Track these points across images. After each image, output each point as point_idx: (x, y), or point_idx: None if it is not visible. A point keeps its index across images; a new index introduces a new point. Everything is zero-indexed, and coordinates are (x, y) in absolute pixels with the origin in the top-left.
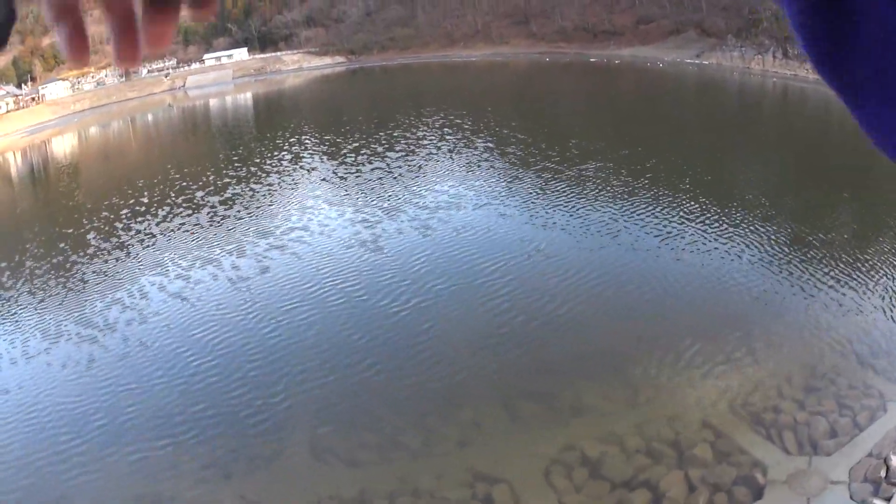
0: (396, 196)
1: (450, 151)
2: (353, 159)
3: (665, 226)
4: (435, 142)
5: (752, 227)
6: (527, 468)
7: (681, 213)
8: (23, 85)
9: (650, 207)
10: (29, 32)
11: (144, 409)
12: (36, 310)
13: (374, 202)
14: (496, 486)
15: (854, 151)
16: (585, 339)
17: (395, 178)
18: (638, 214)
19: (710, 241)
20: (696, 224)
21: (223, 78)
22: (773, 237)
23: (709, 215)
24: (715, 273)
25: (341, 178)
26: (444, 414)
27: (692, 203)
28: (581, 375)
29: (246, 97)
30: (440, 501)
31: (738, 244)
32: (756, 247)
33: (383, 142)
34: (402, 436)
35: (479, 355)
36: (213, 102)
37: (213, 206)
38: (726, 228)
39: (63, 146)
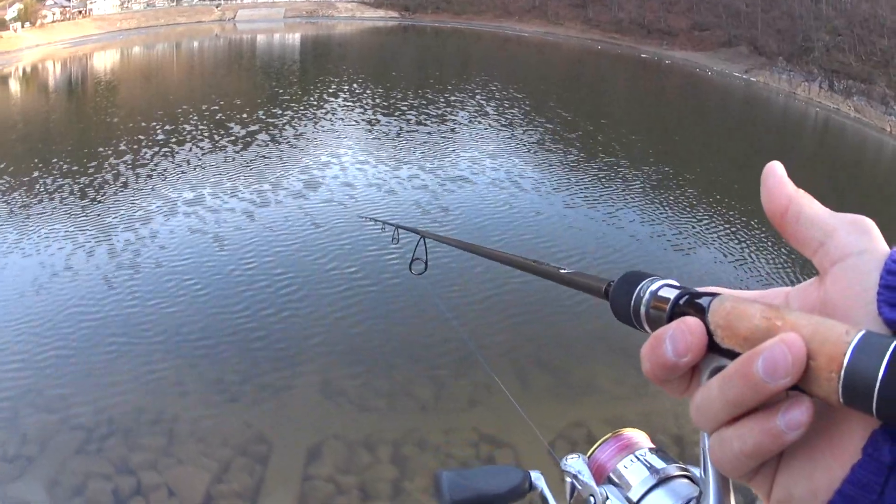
0: (427, 155)
1: (489, 122)
2: (393, 115)
3: (688, 222)
4: (474, 111)
5: (773, 259)
6: (532, 437)
7: (707, 216)
8: None
9: (681, 205)
10: None
11: (154, 324)
12: (59, 221)
13: (408, 158)
14: (500, 450)
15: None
16: (606, 322)
17: (427, 139)
18: (666, 207)
19: (732, 251)
20: (718, 228)
21: (274, 15)
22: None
23: (731, 226)
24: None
25: (377, 129)
26: (458, 372)
27: (724, 210)
28: (596, 356)
29: (294, 37)
30: (443, 456)
31: (756, 260)
32: (773, 267)
33: (425, 101)
34: (413, 387)
35: (500, 322)
36: (260, 38)
37: (246, 140)
38: (747, 242)
39: (104, 62)
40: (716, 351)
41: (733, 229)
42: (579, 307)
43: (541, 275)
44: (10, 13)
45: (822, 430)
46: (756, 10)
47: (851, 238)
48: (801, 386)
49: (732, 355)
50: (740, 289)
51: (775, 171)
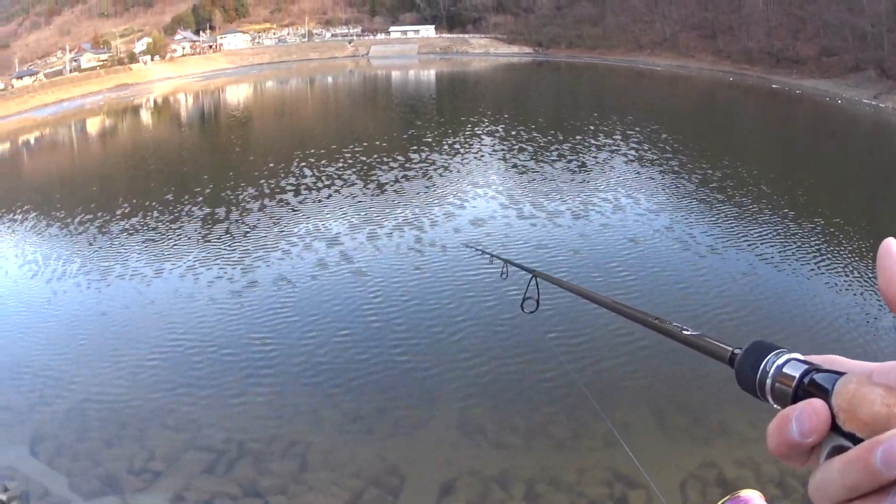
0: (561, 195)
1: (625, 160)
2: (528, 154)
3: (816, 257)
4: (610, 148)
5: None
6: (666, 477)
7: (831, 249)
8: (200, 32)
9: (807, 239)
10: None
11: (291, 354)
12: (203, 249)
13: (543, 198)
14: (633, 490)
15: None
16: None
17: (562, 177)
18: (792, 242)
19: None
20: (846, 261)
21: (408, 52)
22: None
23: (857, 258)
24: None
25: (510, 169)
26: (595, 411)
27: (847, 244)
28: (731, 397)
29: (429, 73)
30: (577, 495)
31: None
32: None
33: (561, 141)
34: (551, 425)
35: (635, 363)
36: (395, 74)
37: (387, 180)
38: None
39: (237, 96)
40: (837, 431)
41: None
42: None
43: (661, 332)
44: (139, 46)
45: None
46: (881, 29)
47: None
48: None
49: (853, 438)
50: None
51: (892, 252)
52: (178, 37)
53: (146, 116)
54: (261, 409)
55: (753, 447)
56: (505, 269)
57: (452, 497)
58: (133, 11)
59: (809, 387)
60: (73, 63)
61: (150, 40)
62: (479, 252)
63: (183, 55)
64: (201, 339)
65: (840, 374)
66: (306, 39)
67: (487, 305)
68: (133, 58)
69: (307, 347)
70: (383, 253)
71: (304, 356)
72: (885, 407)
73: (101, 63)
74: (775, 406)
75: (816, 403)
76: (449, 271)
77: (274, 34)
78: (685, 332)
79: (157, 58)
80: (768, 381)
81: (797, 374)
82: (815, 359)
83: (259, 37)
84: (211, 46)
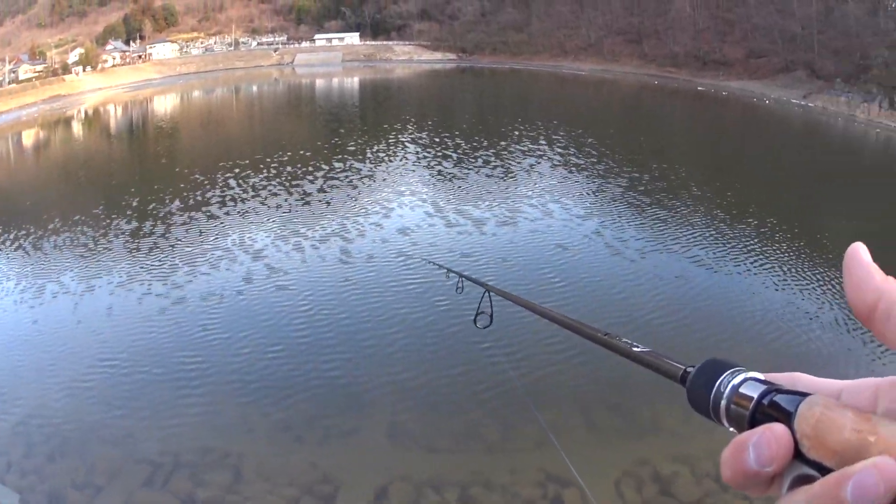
0: (488, 202)
1: (551, 165)
2: (453, 161)
3: (749, 257)
4: (535, 154)
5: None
6: (599, 476)
7: (765, 249)
8: (131, 42)
9: (740, 240)
10: None
11: (222, 365)
12: (125, 261)
13: (470, 205)
14: (567, 489)
15: None
16: (662, 345)
17: (488, 184)
18: (725, 244)
19: (798, 279)
20: (782, 261)
21: (332, 59)
22: None
23: (794, 258)
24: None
25: (433, 174)
26: (524, 413)
27: (782, 244)
28: (662, 395)
29: (353, 81)
30: (512, 496)
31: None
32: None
33: (486, 147)
34: (481, 428)
35: (565, 363)
36: (319, 82)
37: (311, 189)
38: (811, 270)
39: (164, 106)
40: (801, 458)
41: (794, 257)
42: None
43: (610, 349)
44: (72, 57)
45: None
46: (812, 31)
47: None
48: None
49: (819, 467)
50: (825, 366)
51: (859, 258)
52: (109, 47)
53: (77, 129)
54: (194, 422)
55: (687, 443)
56: (460, 283)
57: (386, 503)
58: (68, 21)
59: (770, 409)
60: (12, 74)
61: (82, 51)
62: (408, 259)
63: (113, 66)
64: (134, 355)
65: (804, 394)
66: (233, 48)
67: (414, 312)
68: (66, 69)
69: (237, 360)
70: (309, 264)
71: (235, 368)
72: (855, 433)
73: (38, 74)
74: (731, 430)
75: (777, 429)
76: (376, 281)
77: (201, 43)
78: (635, 349)
79: (88, 69)
80: (723, 403)
81: (755, 395)
82: (776, 377)
83: (187, 46)
84: (140, 56)
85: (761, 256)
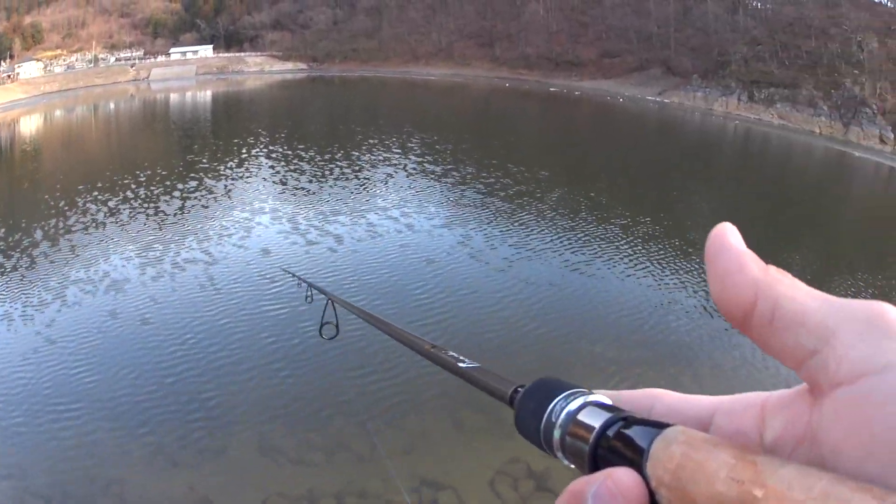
0: (339, 209)
1: (399, 170)
2: (302, 171)
3: (622, 257)
4: (391, 163)
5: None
6: (472, 477)
7: (636, 247)
8: (2, 62)
9: (610, 241)
10: (14, 9)
11: (91, 391)
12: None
13: (319, 213)
14: (442, 492)
15: (811, 195)
16: (533, 357)
17: (340, 192)
18: (594, 245)
19: (659, 271)
20: (645, 254)
21: (186, 73)
22: None
23: (657, 250)
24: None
25: (287, 187)
26: (388, 420)
27: (651, 241)
28: None
29: (206, 95)
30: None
31: (683, 277)
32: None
33: (339, 158)
34: (348, 439)
35: (423, 367)
36: (173, 97)
37: (166, 208)
38: (673, 260)
39: (29, 127)
40: None
41: (657, 250)
42: (504, 346)
43: (436, 363)
44: None
45: None
46: (668, 30)
47: (864, 346)
48: None
49: None
50: (690, 381)
51: (726, 243)
52: None
53: None
54: (75, 450)
55: None
56: (309, 292)
57: None
58: None
59: (616, 443)
60: None
61: None
62: (269, 274)
63: None
64: (6, 389)
65: (662, 425)
66: (93, 65)
67: (274, 326)
68: None
69: (106, 385)
70: (173, 290)
71: (104, 393)
72: (734, 485)
73: None
74: (571, 467)
75: (622, 477)
76: (237, 300)
77: (64, 60)
78: (461, 365)
79: None
80: (556, 434)
81: (597, 425)
82: (630, 396)
83: (51, 64)
84: (9, 76)
85: (632, 255)
